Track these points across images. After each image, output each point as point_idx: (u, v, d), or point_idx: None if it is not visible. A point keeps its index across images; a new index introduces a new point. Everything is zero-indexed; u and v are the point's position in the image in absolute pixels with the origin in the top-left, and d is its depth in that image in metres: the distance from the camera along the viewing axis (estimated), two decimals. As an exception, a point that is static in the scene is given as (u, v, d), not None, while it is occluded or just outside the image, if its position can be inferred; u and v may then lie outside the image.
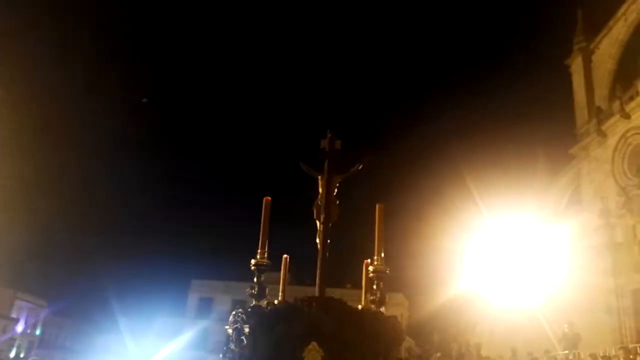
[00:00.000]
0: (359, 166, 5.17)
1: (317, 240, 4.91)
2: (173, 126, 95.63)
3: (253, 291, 4.31)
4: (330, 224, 4.92)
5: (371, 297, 4.49)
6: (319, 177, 5.15)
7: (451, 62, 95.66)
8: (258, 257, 4.50)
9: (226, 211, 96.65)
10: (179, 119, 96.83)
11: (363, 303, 4.59)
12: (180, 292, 53.86)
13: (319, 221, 4.97)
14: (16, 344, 47.86)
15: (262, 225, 4.63)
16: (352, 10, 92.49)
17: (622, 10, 28.92)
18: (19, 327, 49.08)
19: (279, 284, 5.11)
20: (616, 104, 27.80)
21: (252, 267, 4.47)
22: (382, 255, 4.60)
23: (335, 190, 5.11)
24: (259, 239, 4.60)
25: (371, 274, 4.61)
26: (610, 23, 29.50)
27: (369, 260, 4.86)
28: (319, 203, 5.01)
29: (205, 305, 51.53)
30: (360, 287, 5.05)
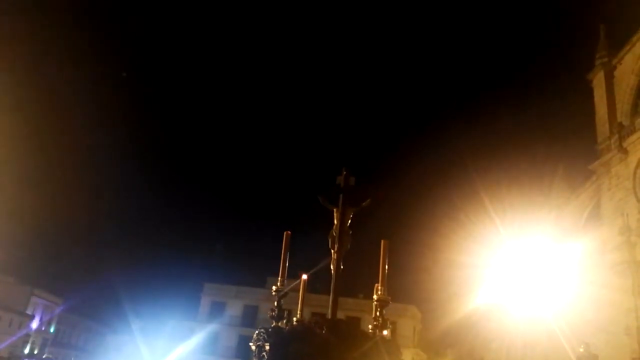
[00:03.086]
0: (369, 201, 5.86)
1: (331, 267, 5.61)
2: (194, 144, 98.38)
3: (273, 313, 5.06)
4: (343, 253, 5.60)
5: (374, 323, 5.17)
6: (334, 209, 5.86)
7: (471, 79, 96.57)
8: (278, 284, 5.24)
9: (241, 219, 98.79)
10: (199, 140, 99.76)
11: (372, 326, 5.27)
12: (193, 296, 54.88)
13: (333, 250, 5.67)
14: (30, 340, 49.06)
15: (282, 256, 5.36)
16: (364, 47, 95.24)
17: (646, 26, 28.99)
18: (34, 324, 50.35)
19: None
20: (638, 121, 27.86)
21: (273, 293, 5.21)
22: (385, 286, 5.26)
23: (349, 221, 5.83)
24: (278, 265, 5.35)
25: (375, 302, 5.30)
26: (634, 39, 29.55)
27: (378, 285, 5.57)
28: (334, 234, 5.72)
29: (217, 310, 52.20)
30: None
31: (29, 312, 49.81)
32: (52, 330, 55.23)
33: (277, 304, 5.12)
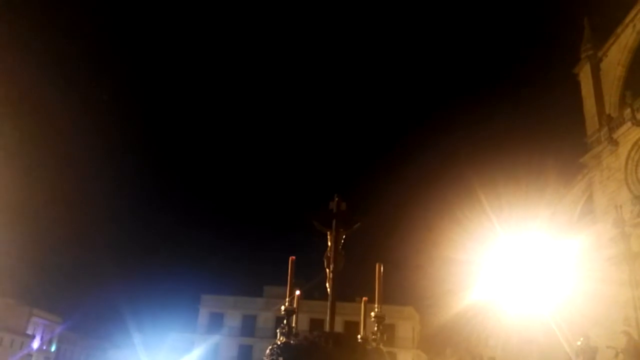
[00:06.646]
0: (358, 225, 6.76)
1: (327, 285, 6.48)
2: (190, 153, 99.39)
3: (283, 330, 5.92)
4: (337, 273, 6.47)
5: (372, 337, 6.06)
6: (328, 232, 6.74)
7: (460, 76, 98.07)
8: (287, 304, 6.09)
9: (237, 229, 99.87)
10: (195, 149, 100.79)
11: (362, 334, 6.13)
12: (191, 308, 55.70)
13: (328, 269, 6.54)
14: (32, 360, 49.63)
15: (289, 279, 6.22)
16: (348, 59, 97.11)
17: (629, 17, 29.64)
18: (35, 344, 50.86)
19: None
20: (627, 112, 28.41)
21: (282, 312, 6.08)
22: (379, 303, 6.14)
23: (341, 243, 6.71)
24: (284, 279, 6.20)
25: (372, 319, 6.18)
26: (618, 30, 30.35)
27: (366, 298, 6.50)
28: (328, 254, 6.59)
29: (216, 321, 52.92)
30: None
31: (29, 332, 50.33)
32: (53, 349, 55.78)
33: (287, 322, 5.98)
